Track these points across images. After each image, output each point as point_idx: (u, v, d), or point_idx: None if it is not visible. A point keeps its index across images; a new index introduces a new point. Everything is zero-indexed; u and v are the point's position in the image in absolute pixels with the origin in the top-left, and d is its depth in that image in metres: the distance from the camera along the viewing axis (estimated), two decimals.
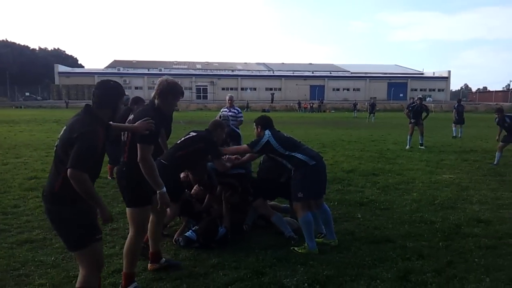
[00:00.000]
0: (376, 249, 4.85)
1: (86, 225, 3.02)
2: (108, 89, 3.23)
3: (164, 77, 3.92)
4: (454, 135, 19.09)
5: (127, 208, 3.76)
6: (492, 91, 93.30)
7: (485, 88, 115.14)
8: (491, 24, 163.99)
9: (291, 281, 4.02)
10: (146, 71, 77.52)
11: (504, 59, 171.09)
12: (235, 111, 9.37)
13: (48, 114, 35.24)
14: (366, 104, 42.12)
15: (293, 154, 4.83)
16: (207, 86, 75.98)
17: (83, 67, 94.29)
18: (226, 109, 9.35)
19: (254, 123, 5.24)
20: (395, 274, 4.16)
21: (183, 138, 4.88)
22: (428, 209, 6.58)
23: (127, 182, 3.69)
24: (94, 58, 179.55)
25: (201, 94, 74.50)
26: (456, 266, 4.40)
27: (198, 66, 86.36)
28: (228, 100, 9.59)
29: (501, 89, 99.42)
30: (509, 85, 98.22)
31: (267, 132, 4.99)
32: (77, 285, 3.13)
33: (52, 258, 4.47)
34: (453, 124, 19.49)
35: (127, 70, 77.35)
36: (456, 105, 20.14)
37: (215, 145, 4.87)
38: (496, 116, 11.55)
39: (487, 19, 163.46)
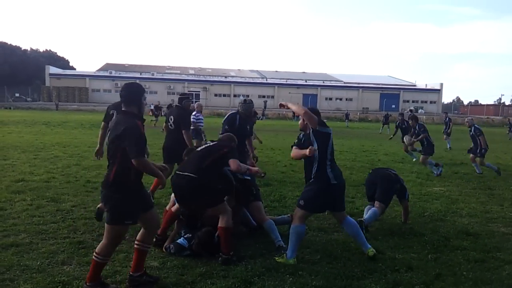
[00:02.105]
0: (366, 260, 4.83)
1: (123, 212, 3.77)
2: (131, 89, 3.96)
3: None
4: (449, 147, 19.38)
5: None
6: (484, 105, 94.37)
7: (476, 101, 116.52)
8: (484, 38, 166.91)
9: None
10: (138, 75, 77.30)
11: (495, 73, 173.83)
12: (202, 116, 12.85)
13: (38, 116, 34.95)
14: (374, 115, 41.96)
15: (328, 163, 4.75)
16: (199, 91, 75.92)
17: (74, 69, 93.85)
18: (198, 113, 12.05)
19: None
20: (383, 286, 4.15)
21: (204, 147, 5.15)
22: (418, 221, 6.60)
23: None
24: (86, 61, 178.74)
25: (194, 100, 74.37)
26: (444, 279, 4.40)
27: (191, 72, 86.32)
28: (199, 106, 13.18)
29: (492, 102, 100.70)
30: (500, 99, 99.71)
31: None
32: (96, 250, 3.85)
33: (38, 263, 4.40)
34: (446, 136, 19.98)
35: (119, 74, 77.06)
36: (447, 118, 20.62)
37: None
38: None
39: (480, 33, 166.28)
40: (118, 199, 3.73)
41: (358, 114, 60.92)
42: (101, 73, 78.49)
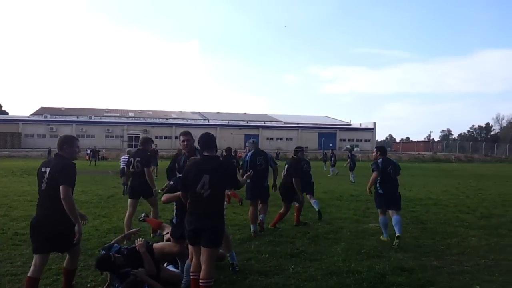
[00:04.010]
0: None
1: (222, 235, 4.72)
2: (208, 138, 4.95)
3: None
4: (352, 181, 22.30)
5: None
6: (415, 141, 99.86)
7: (408, 138, 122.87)
8: (413, 79, 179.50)
9: None
10: (75, 119, 74.97)
11: (425, 112, 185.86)
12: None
13: None
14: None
15: (378, 182, 7.98)
16: (139, 134, 74.69)
17: (7, 114, 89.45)
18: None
19: (375, 148, 8.47)
20: None
21: None
22: (355, 259, 6.73)
23: None
24: (20, 105, 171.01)
25: (133, 143, 72.82)
26: None
27: (131, 114, 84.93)
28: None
29: (422, 139, 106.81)
30: (429, 135, 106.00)
31: (380, 159, 8.08)
32: (202, 276, 4.45)
33: None
34: (349, 172, 23.27)
35: (55, 118, 74.34)
36: (351, 154, 24.59)
37: None
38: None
39: (409, 74, 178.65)
40: (222, 225, 4.65)
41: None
42: (36, 117, 75.32)
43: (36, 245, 4.54)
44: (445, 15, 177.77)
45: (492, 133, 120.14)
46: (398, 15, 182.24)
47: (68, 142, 4.71)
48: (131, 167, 8.08)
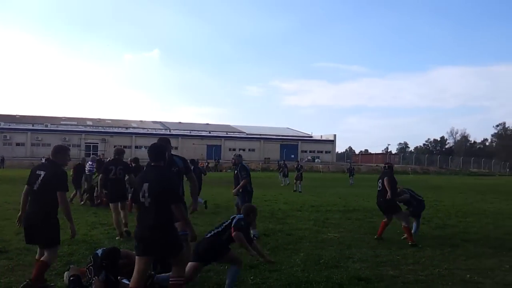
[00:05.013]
0: None
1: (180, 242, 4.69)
2: (158, 148, 4.87)
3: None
4: (298, 190, 23.49)
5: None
6: (373, 154, 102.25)
7: (366, 150, 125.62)
8: (371, 93, 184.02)
9: None
10: (30, 127, 72.41)
11: (383, 125, 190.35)
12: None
13: None
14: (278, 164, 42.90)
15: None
16: (98, 143, 72.92)
17: None
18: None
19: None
20: None
21: None
22: (314, 269, 6.76)
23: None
24: None
25: (91, 152, 70.95)
26: None
27: (89, 123, 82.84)
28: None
29: (380, 151, 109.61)
30: (387, 148, 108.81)
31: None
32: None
33: None
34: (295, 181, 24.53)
35: (9, 125, 71.53)
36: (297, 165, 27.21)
37: None
38: None
39: (368, 89, 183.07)
40: (173, 235, 4.49)
41: (261, 164, 62.57)
42: None
43: (27, 237, 5.30)
44: (402, 33, 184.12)
45: (446, 146, 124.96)
46: (356, 32, 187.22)
47: (61, 152, 5.59)
48: (111, 174, 9.03)
